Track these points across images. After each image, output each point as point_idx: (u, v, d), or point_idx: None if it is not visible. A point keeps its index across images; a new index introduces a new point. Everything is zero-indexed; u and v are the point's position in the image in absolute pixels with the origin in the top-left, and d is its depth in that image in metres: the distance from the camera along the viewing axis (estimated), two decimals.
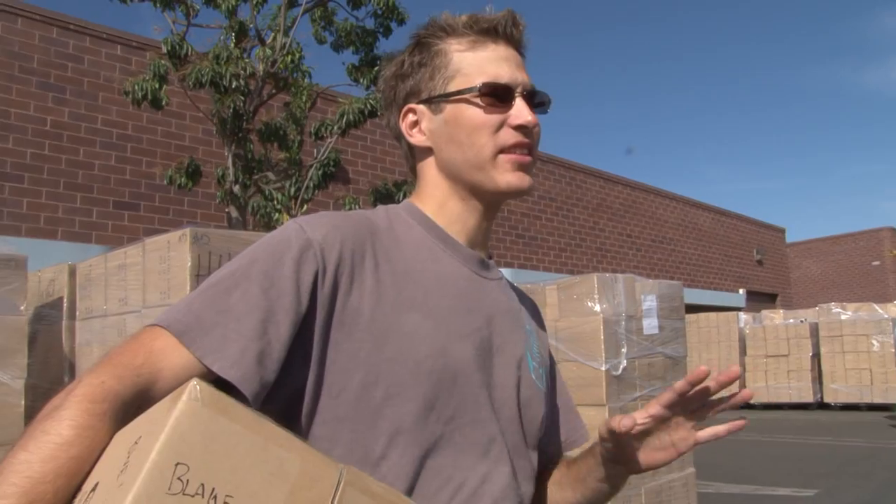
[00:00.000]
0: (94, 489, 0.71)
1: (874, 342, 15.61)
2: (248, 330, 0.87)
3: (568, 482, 1.16)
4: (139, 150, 11.40)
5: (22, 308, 3.74)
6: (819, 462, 9.58)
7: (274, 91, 7.40)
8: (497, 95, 1.06)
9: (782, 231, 32.78)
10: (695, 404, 1.00)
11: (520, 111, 1.06)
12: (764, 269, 30.12)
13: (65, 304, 4.31)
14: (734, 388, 1.06)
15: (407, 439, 0.94)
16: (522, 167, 1.07)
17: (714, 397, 1.00)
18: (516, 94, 1.07)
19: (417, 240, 1.07)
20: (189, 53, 6.57)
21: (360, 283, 0.96)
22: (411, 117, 1.12)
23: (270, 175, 7.11)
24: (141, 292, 3.58)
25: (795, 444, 11.37)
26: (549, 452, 1.22)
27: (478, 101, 1.05)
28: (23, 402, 3.61)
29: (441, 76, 1.08)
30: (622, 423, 0.94)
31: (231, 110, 6.48)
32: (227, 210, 7.13)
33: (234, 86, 6.22)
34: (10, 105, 10.15)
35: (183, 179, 7.17)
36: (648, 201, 23.86)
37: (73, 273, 4.33)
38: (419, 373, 0.95)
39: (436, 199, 1.11)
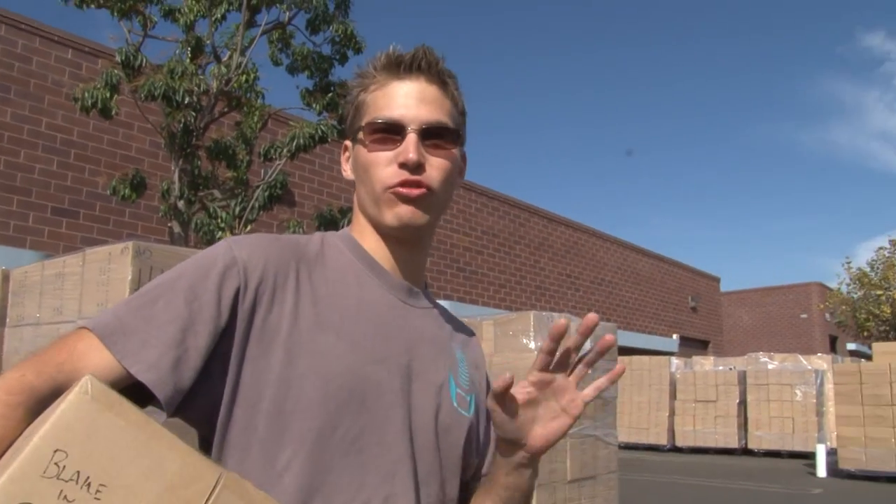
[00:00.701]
0: None
1: (797, 392, 16.09)
2: (168, 337, 0.92)
3: (481, 492, 1.16)
4: (83, 157, 11.20)
5: None
6: None
7: (226, 109, 7.38)
8: (385, 132, 1.09)
9: (717, 280, 33.63)
10: (569, 363, 1.03)
11: (405, 148, 1.07)
12: (698, 316, 30.82)
13: None
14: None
15: (310, 454, 0.97)
16: (410, 201, 1.08)
17: (584, 351, 1.04)
18: (408, 131, 1.08)
19: (345, 266, 1.11)
20: (143, 65, 6.52)
21: (280, 302, 1.00)
22: (346, 153, 1.18)
23: (216, 193, 7.07)
24: (77, 302, 3.55)
25: (718, 488, 11.60)
26: (479, 477, 1.22)
27: (364, 139, 1.10)
28: None
29: (359, 115, 1.13)
30: (498, 384, 0.96)
31: (181, 125, 6.45)
32: (169, 225, 7.06)
33: (186, 101, 6.20)
34: None
35: (127, 191, 7.07)
36: (590, 243, 24.29)
37: (6, 278, 4.24)
38: (327, 391, 0.98)
39: (362, 230, 1.16)
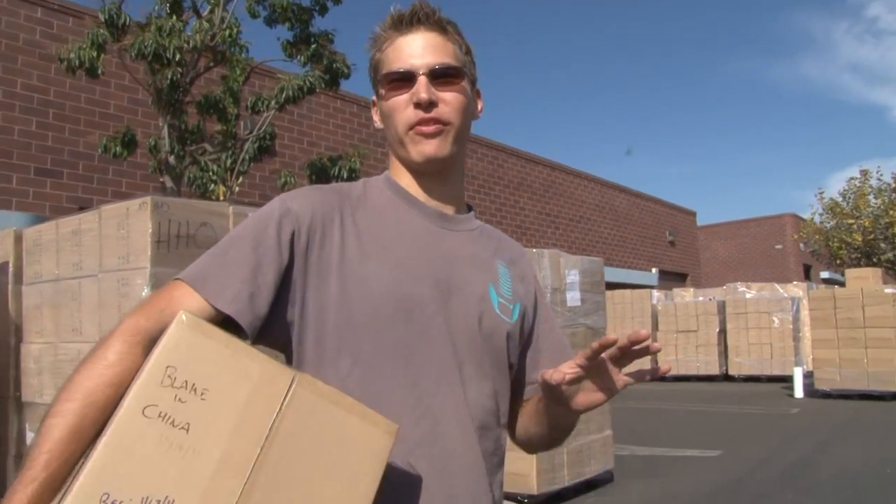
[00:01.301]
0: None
1: (775, 319, 16.60)
2: (242, 276, 1.13)
3: (530, 416, 1.34)
4: (61, 117, 11.12)
5: None
6: (723, 427, 10.26)
7: (211, 64, 7.41)
8: (398, 81, 1.26)
9: (693, 214, 34.03)
10: (615, 358, 1.11)
11: (416, 90, 1.24)
12: (675, 250, 31.29)
13: (10, 269, 4.35)
14: (647, 360, 1.24)
15: (367, 361, 1.16)
16: (430, 136, 1.25)
17: (635, 348, 1.07)
18: (418, 75, 1.24)
19: (384, 202, 1.28)
20: (127, 23, 6.54)
21: (329, 239, 1.19)
22: (374, 107, 1.36)
23: (207, 147, 7.15)
24: (97, 257, 3.70)
25: (702, 411, 12.09)
26: (530, 381, 1.37)
27: (383, 91, 1.28)
28: None
29: (377, 72, 1.31)
30: (553, 377, 1.08)
31: (168, 81, 6.50)
32: (161, 180, 7.14)
33: (177, 59, 6.25)
34: None
35: (118, 148, 7.13)
36: (568, 182, 24.47)
37: (18, 239, 4.37)
38: (374, 309, 1.16)
39: (397, 169, 1.33)
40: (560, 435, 1.36)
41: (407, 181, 1.31)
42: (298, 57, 7.66)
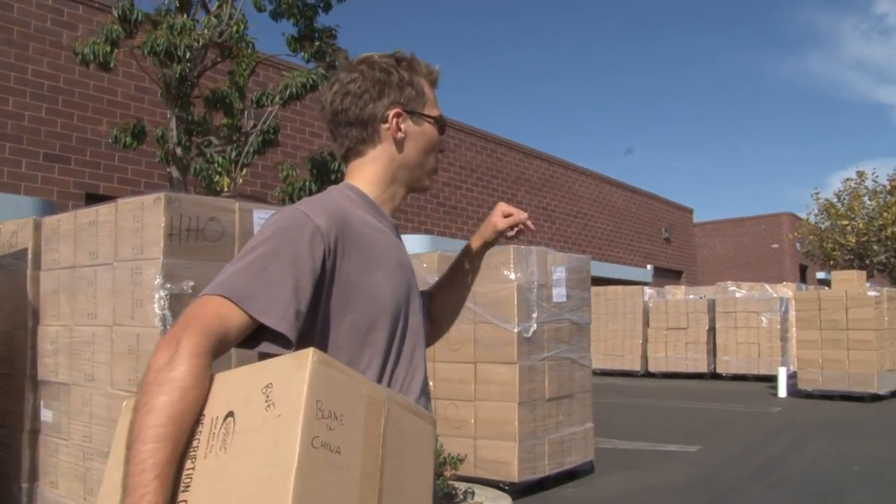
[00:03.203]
0: (229, 417, 1.09)
1: (763, 319, 16.88)
2: (287, 295, 1.25)
3: (457, 283, 1.89)
4: (70, 104, 11.39)
5: None
6: (705, 423, 10.57)
7: (218, 59, 7.68)
8: (442, 127, 1.62)
9: (690, 211, 34.25)
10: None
11: (444, 145, 1.65)
12: (671, 247, 31.54)
13: (29, 256, 4.62)
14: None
15: (381, 355, 1.41)
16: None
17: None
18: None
19: (366, 218, 1.48)
20: (139, 19, 6.81)
21: (347, 255, 1.36)
22: (401, 118, 1.54)
23: (213, 139, 7.43)
24: (113, 247, 3.98)
25: (686, 408, 12.40)
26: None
27: (437, 127, 1.60)
28: None
29: (421, 100, 1.57)
30: (509, 224, 1.87)
31: (177, 76, 6.77)
32: (168, 170, 7.40)
33: (187, 56, 6.53)
34: None
35: (128, 139, 7.41)
36: (565, 176, 24.72)
37: (38, 226, 4.65)
38: (385, 311, 1.41)
39: (380, 180, 1.55)
40: (470, 287, 1.92)
41: (383, 196, 1.57)
42: (302, 53, 7.91)
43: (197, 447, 1.09)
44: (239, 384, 1.13)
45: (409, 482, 1.19)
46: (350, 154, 1.58)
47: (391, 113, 1.52)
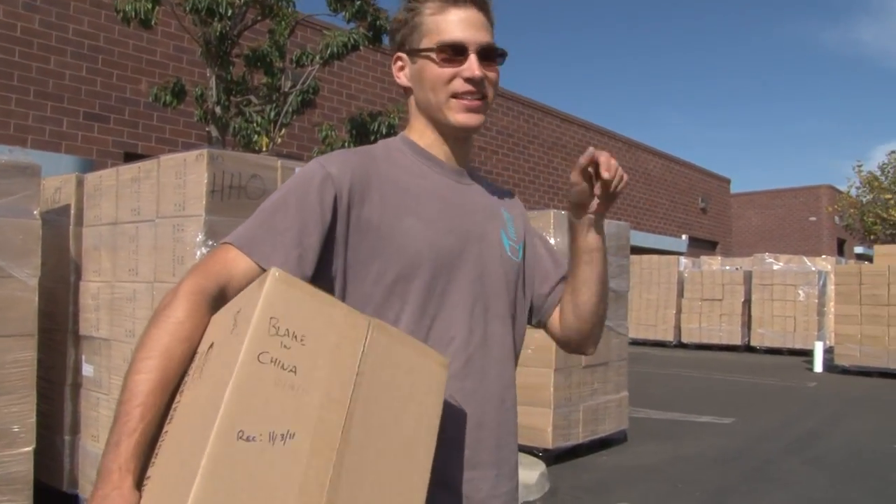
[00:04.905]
0: (210, 348, 1.08)
1: (800, 292, 16.63)
2: (289, 240, 1.23)
3: (575, 288, 1.49)
4: (110, 63, 11.43)
5: (36, 213, 4.02)
6: (739, 396, 10.49)
7: (258, 17, 7.62)
8: (452, 52, 1.37)
9: (727, 181, 33.73)
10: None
11: (470, 65, 1.37)
12: (707, 217, 31.13)
13: (72, 212, 4.65)
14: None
15: (414, 306, 1.31)
16: (471, 109, 1.39)
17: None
18: (470, 52, 1.37)
19: (409, 162, 1.40)
20: None
21: (368, 199, 1.30)
22: (399, 63, 1.45)
23: (253, 99, 7.41)
24: (155, 203, 3.98)
25: (720, 380, 12.29)
26: (550, 300, 1.57)
27: (435, 57, 1.38)
28: (36, 298, 3.97)
29: (417, 33, 1.40)
30: (584, 159, 1.37)
31: (217, 34, 6.73)
32: (207, 129, 7.42)
33: (229, 14, 6.49)
34: None
35: (168, 97, 7.42)
36: (602, 143, 24.41)
37: (80, 183, 4.67)
38: (417, 261, 1.30)
39: (419, 129, 1.45)
40: (601, 288, 1.49)
41: (430, 141, 1.45)
42: (343, 13, 7.83)
43: (186, 381, 1.10)
44: (222, 316, 1.14)
45: (399, 420, 1.11)
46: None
47: (393, 62, 1.47)
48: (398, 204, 1.32)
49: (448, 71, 1.38)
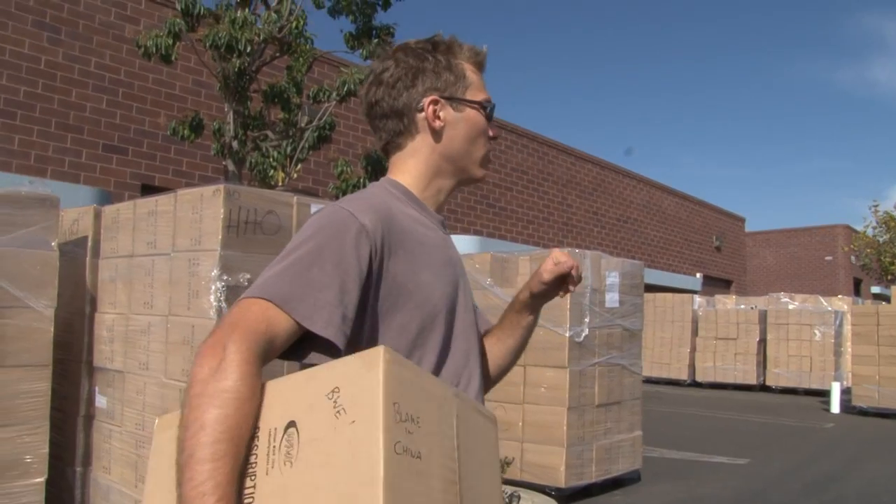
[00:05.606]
0: (290, 426, 1.00)
1: (816, 332, 16.46)
2: (332, 298, 1.17)
3: (504, 335, 1.67)
4: (130, 96, 11.61)
5: (53, 245, 4.06)
6: (754, 436, 10.34)
7: (277, 54, 7.74)
8: (489, 112, 1.48)
9: (742, 220, 33.68)
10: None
11: (496, 130, 1.53)
12: (722, 256, 31.03)
13: (89, 244, 4.69)
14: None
15: (431, 355, 1.34)
16: (489, 164, 1.54)
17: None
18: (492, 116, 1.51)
19: (413, 212, 1.41)
20: (202, 14, 6.89)
21: (395, 255, 1.29)
22: (438, 106, 1.43)
23: (270, 134, 7.49)
24: (171, 238, 4.02)
25: (735, 420, 12.15)
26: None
27: (482, 112, 1.47)
28: (52, 329, 4.00)
29: (461, 84, 1.45)
30: (559, 270, 1.56)
31: (236, 70, 6.84)
32: (224, 163, 7.49)
33: (248, 50, 6.59)
34: (6, 42, 10.28)
35: (186, 131, 7.52)
36: (616, 181, 24.47)
37: (98, 215, 4.72)
38: (435, 312, 1.34)
39: (422, 174, 1.45)
40: (518, 355, 1.73)
41: (428, 189, 1.47)
42: (360, 50, 7.93)
43: (256, 463, 1.00)
44: (296, 391, 1.04)
45: (484, 485, 1.12)
46: (390, 147, 1.48)
47: (427, 100, 1.42)
48: (416, 257, 1.34)
49: (486, 128, 1.48)
